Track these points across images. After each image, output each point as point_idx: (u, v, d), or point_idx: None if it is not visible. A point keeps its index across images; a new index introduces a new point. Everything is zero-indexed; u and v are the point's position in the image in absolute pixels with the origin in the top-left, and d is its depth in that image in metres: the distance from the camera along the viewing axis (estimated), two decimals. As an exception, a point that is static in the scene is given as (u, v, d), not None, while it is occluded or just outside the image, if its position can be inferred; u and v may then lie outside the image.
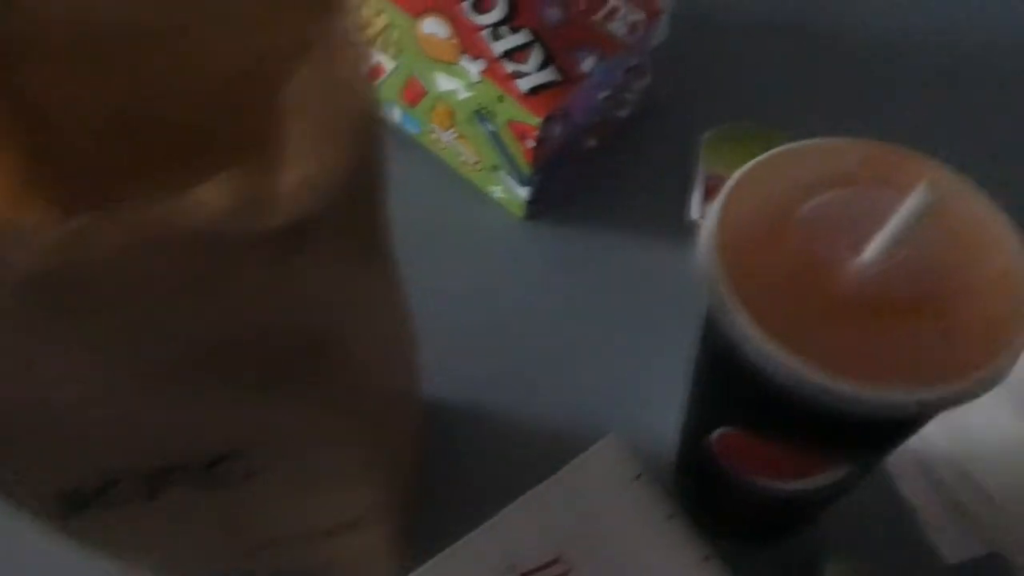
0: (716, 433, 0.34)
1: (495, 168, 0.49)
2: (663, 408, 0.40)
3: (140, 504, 0.29)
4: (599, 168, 0.53)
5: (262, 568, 0.37)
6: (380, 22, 0.48)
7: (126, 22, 0.26)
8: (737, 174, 0.31)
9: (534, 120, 0.45)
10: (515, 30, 0.46)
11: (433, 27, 0.46)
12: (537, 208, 0.50)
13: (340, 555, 0.37)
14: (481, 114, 0.47)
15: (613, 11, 0.48)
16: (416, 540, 0.37)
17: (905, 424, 0.31)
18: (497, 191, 0.50)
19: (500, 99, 0.45)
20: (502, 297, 0.48)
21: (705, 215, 0.30)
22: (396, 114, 0.52)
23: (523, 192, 0.49)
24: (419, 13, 0.47)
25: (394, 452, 0.36)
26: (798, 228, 0.29)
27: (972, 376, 0.27)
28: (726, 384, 0.32)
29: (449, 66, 0.46)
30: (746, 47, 0.60)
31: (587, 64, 0.46)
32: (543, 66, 0.45)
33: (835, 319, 0.27)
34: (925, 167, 0.31)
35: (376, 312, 0.30)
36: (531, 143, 0.46)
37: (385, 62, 0.49)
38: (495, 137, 0.47)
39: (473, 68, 0.45)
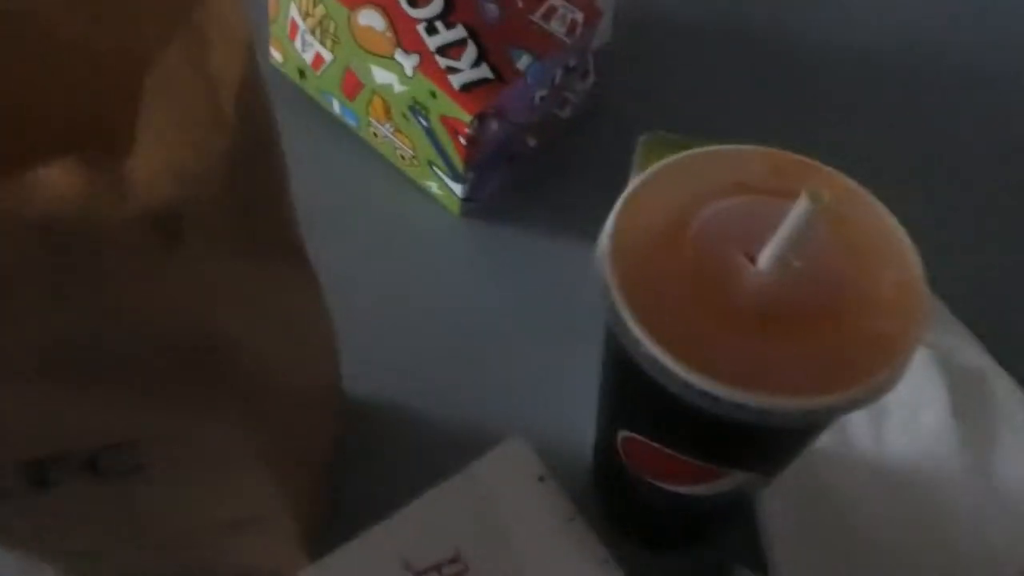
0: (620, 436, 0.34)
1: (431, 163, 0.49)
2: (584, 410, 0.40)
3: (26, 497, 0.28)
4: (539, 168, 0.53)
5: (167, 565, 0.37)
6: (317, 13, 0.48)
7: None
8: (637, 179, 0.30)
9: (466, 116, 0.44)
10: (450, 26, 0.46)
11: (369, 19, 0.46)
12: (473, 205, 0.50)
13: (245, 552, 0.36)
14: (415, 109, 0.46)
15: (551, 10, 0.48)
16: (324, 537, 0.37)
17: (797, 434, 0.31)
18: (433, 187, 0.50)
19: (433, 94, 0.45)
20: (430, 294, 0.48)
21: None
22: (335, 106, 0.52)
23: (458, 189, 0.49)
24: (355, 5, 0.46)
25: (300, 449, 0.35)
26: (696, 235, 0.29)
27: (859, 387, 0.27)
28: (624, 389, 0.32)
29: (384, 59, 0.46)
30: (693, 52, 0.60)
31: (522, 62, 0.46)
32: (476, 63, 0.45)
33: (728, 328, 0.27)
34: (827, 178, 0.31)
35: (276, 310, 0.29)
36: (463, 140, 0.45)
37: (323, 53, 0.49)
38: (429, 132, 0.47)
39: (408, 62, 0.45)
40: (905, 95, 0.60)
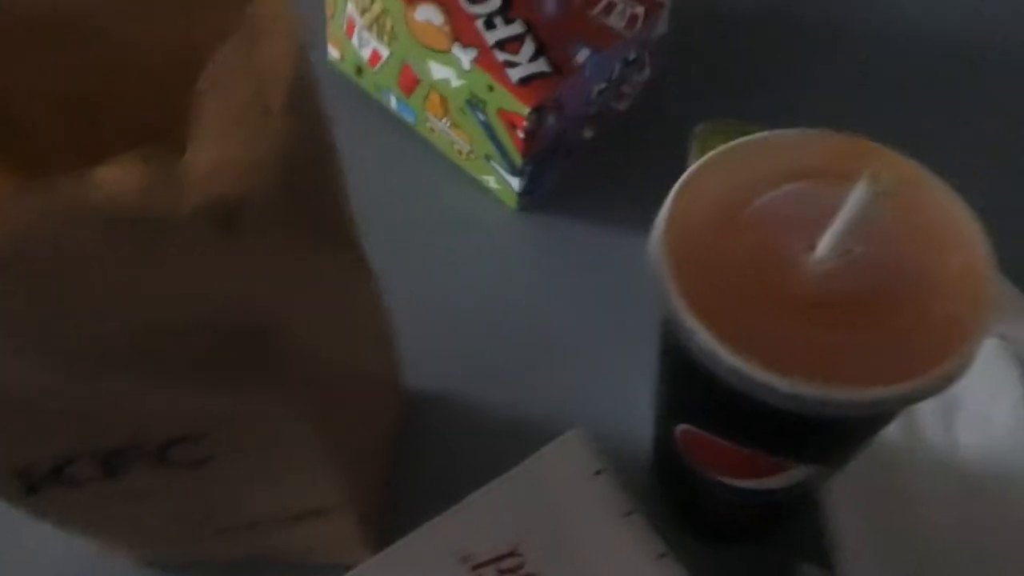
0: (678, 429, 0.33)
1: (488, 158, 0.49)
2: (645, 403, 0.39)
3: (99, 484, 0.29)
4: (596, 160, 0.53)
5: (232, 551, 0.38)
6: (374, 9, 0.48)
7: (52, 7, 0.26)
8: (691, 168, 0.30)
9: (524, 110, 0.44)
10: (509, 21, 0.46)
11: (427, 14, 0.46)
12: (530, 199, 0.50)
13: (307, 541, 0.37)
14: (473, 103, 0.46)
15: (610, 5, 0.48)
16: (386, 529, 0.37)
17: (861, 425, 0.30)
18: (491, 181, 0.50)
19: (491, 88, 0.45)
20: (488, 287, 0.48)
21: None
22: (392, 102, 0.52)
23: (515, 182, 0.49)
24: (413, 0, 0.46)
25: (361, 441, 0.36)
26: (752, 223, 0.28)
27: (924, 376, 0.26)
28: (681, 381, 0.31)
29: (442, 54, 0.46)
30: (748, 41, 0.60)
31: (581, 56, 0.46)
32: (535, 57, 0.45)
33: (786, 317, 0.27)
34: (889, 159, 0.30)
35: (331, 299, 0.30)
36: (521, 133, 0.45)
37: (380, 49, 0.49)
38: (487, 126, 0.47)
39: (465, 56, 0.45)
40: (966, 74, 0.59)
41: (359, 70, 0.52)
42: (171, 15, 0.26)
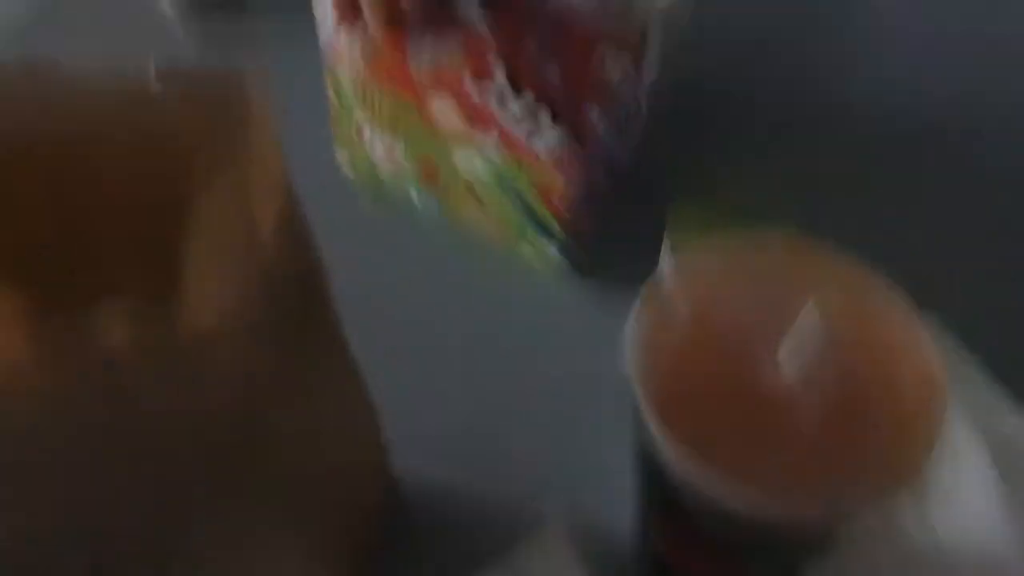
0: (653, 522, 0.35)
1: (522, 231, 0.50)
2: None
3: None
4: (613, 214, 0.54)
5: None
6: (385, 109, 0.49)
7: (46, 135, 0.27)
8: (657, 276, 0.31)
9: (559, 179, 0.46)
10: (519, 95, 0.47)
11: (440, 107, 0.47)
12: (570, 263, 0.51)
13: None
14: (502, 181, 0.48)
15: (604, 57, 0.50)
16: None
17: (824, 530, 0.31)
18: (527, 252, 0.51)
19: (519, 165, 0.46)
20: (508, 363, 0.48)
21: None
22: (412, 194, 0.53)
23: (554, 249, 0.50)
24: (424, 96, 0.47)
25: (346, 531, 0.36)
26: (718, 334, 0.30)
27: (884, 483, 0.27)
28: (650, 479, 0.32)
29: (463, 141, 0.47)
30: (737, 82, 0.61)
31: (593, 115, 0.48)
32: (553, 124, 0.47)
33: (749, 425, 0.28)
34: (841, 269, 0.31)
35: (318, 402, 0.31)
36: (558, 202, 0.47)
37: (395, 147, 0.50)
38: (520, 201, 0.48)
39: (487, 139, 0.47)
40: (939, 169, 0.57)
41: (372, 168, 0.53)
42: (162, 148, 0.27)
